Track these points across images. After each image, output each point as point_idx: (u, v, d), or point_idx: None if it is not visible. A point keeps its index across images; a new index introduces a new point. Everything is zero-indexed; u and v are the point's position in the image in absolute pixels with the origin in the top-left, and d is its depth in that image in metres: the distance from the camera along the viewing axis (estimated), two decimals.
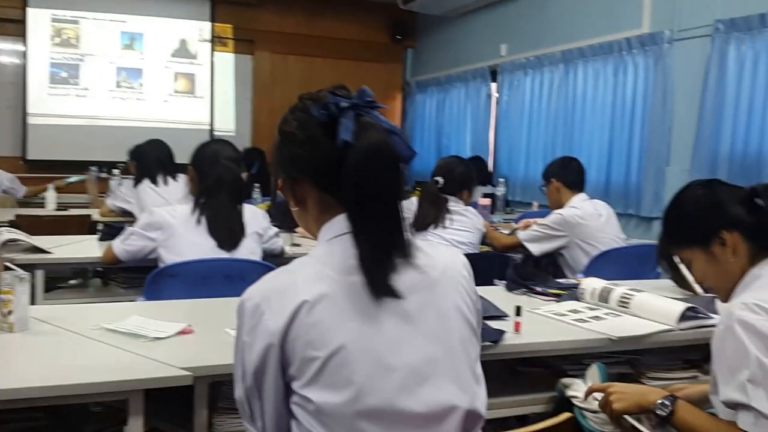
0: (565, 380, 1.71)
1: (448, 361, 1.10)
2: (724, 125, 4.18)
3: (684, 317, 1.86)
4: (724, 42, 4.17)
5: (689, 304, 1.89)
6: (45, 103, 6.62)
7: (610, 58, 5.08)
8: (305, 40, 7.52)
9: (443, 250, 1.21)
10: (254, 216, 2.57)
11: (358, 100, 1.12)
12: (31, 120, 6.58)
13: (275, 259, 2.67)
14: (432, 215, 3.19)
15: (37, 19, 6.56)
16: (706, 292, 1.72)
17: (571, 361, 1.85)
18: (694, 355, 1.91)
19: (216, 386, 1.58)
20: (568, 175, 3.37)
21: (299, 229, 3.52)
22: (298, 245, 3.13)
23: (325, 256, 1.11)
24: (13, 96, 6.58)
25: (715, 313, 1.90)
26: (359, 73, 7.45)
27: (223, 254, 2.40)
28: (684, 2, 4.50)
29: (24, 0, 6.48)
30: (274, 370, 1.05)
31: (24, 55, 6.56)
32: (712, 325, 1.69)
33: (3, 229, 2.82)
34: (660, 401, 1.43)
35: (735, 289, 1.46)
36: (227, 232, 2.42)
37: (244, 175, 2.60)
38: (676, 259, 1.61)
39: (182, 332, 1.71)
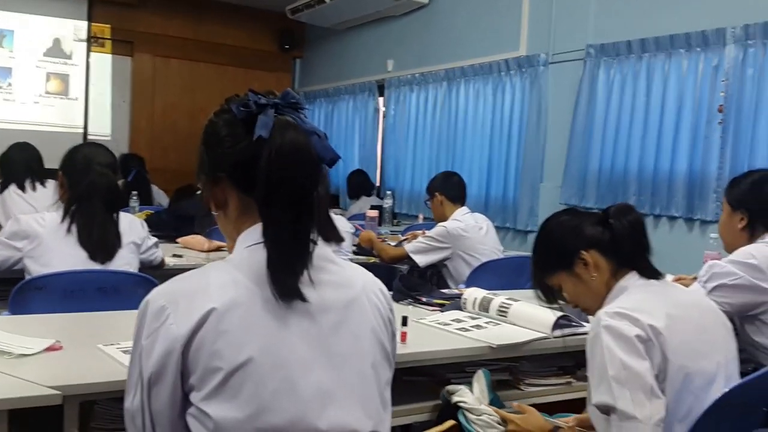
0: (450, 387, 1.75)
1: (358, 385, 1.08)
2: (593, 144, 4.47)
3: (557, 325, 1.96)
4: (594, 66, 4.48)
5: (562, 313, 2.00)
6: None
7: (490, 78, 5.30)
8: (189, 43, 7.31)
9: (360, 269, 1.20)
10: (131, 225, 2.45)
11: (281, 101, 1.10)
12: None
13: (154, 270, 2.56)
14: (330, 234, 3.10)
15: None
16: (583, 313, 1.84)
17: (454, 369, 1.89)
18: (567, 362, 2.02)
19: (88, 406, 1.49)
20: (450, 189, 3.51)
21: (182, 240, 3.41)
22: (180, 256, 3.02)
23: (241, 263, 1.07)
24: None
25: (587, 321, 2.02)
26: (247, 80, 7.32)
27: (96, 266, 2.26)
28: (559, 27, 4.79)
29: None
30: (173, 378, 1.00)
31: None
32: (584, 333, 1.80)
33: None
34: None
35: (603, 303, 1.57)
36: (100, 242, 2.28)
37: (120, 183, 2.48)
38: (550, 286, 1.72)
39: (50, 348, 1.60)
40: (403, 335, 1.81)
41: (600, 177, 4.43)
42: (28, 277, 2.18)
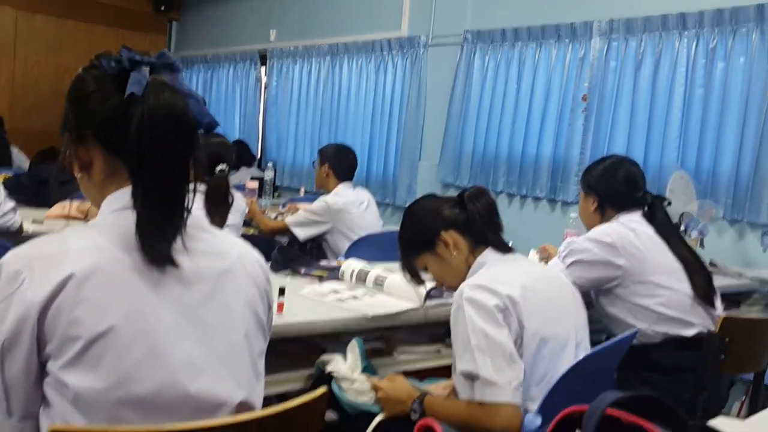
0: (325, 356, 1.79)
1: (229, 355, 1.06)
2: (467, 127, 4.66)
3: (428, 296, 2.05)
4: (470, 51, 4.65)
5: (433, 284, 2.09)
6: None
7: (372, 57, 5.35)
8: None
9: (237, 240, 1.18)
10: None
11: (156, 60, 1.06)
12: None
13: (11, 237, 2.40)
14: (220, 213, 2.84)
15: None
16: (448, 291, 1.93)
17: (330, 339, 1.93)
18: (437, 331, 2.12)
19: None
20: (340, 165, 3.52)
21: (48, 214, 3.14)
22: (40, 222, 2.84)
23: (106, 228, 1.02)
24: None
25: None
26: (117, 41, 6.89)
27: None
28: (439, 11, 4.91)
29: None
30: (28, 346, 0.95)
31: None
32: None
33: None
34: (412, 407, 1.60)
35: (466, 278, 1.67)
36: None
37: None
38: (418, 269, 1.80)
39: None
40: (280, 306, 1.83)
41: (473, 158, 4.63)
42: None
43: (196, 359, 1.02)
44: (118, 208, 1.04)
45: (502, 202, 4.38)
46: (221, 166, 2.78)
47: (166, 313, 1.01)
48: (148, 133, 0.99)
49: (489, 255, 1.68)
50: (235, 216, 3.18)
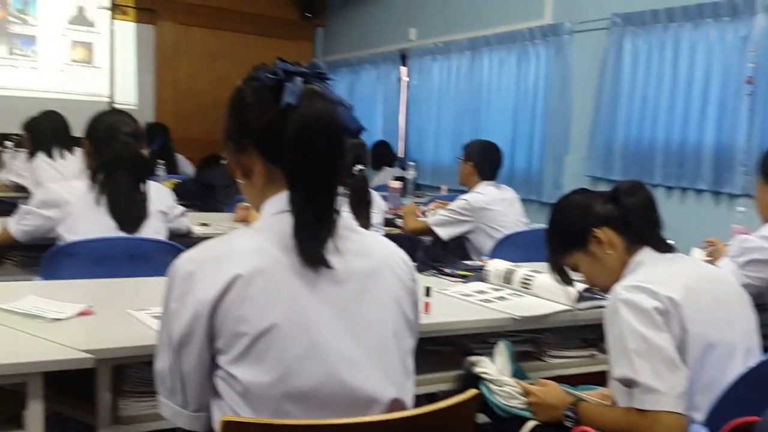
0: (472, 358, 1.77)
1: (380, 352, 1.10)
2: (619, 116, 4.41)
3: (582, 298, 1.96)
4: (619, 35, 4.39)
5: (585, 285, 2.00)
6: None
7: (514, 48, 5.23)
8: (211, 11, 7.27)
9: (383, 240, 1.21)
10: (159, 194, 2.48)
11: (308, 70, 1.12)
12: None
13: (181, 239, 2.60)
14: (363, 214, 2.83)
15: None
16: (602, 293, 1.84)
17: (476, 340, 1.91)
18: (591, 334, 2.02)
19: (120, 369, 1.53)
20: (484, 164, 3.45)
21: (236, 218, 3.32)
22: (206, 225, 3.05)
23: (266, 231, 1.09)
24: None
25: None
26: (268, 49, 7.29)
27: (125, 234, 2.30)
28: None
29: None
30: (201, 341, 1.03)
31: None
32: None
33: None
34: (565, 413, 1.53)
35: (620, 279, 1.57)
36: (128, 212, 2.31)
37: (145, 152, 2.50)
38: (567, 269, 1.72)
39: (82, 313, 1.64)
40: (426, 305, 1.83)
41: (626, 149, 4.38)
42: (59, 244, 2.22)
43: (351, 355, 1.06)
44: (276, 211, 1.10)
45: (659, 196, 4.04)
46: (359, 167, 2.86)
47: (323, 311, 1.05)
48: (302, 140, 1.05)
49: (647, 254, 1.57)
50: (377, 215, 3.25)
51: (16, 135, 4.25)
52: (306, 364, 1.03)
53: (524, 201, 3.88)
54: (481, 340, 1.90)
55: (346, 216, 1.13)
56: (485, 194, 3.38)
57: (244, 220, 3.08)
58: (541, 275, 2.10)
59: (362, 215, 2.79)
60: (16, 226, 2.35)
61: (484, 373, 1.69)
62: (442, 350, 1.91)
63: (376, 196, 3.10)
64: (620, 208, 1.60)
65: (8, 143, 4.58)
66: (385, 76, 6.78)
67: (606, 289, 1.61)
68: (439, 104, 6.02)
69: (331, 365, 1.05)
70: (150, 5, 7.04)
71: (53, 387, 1.41)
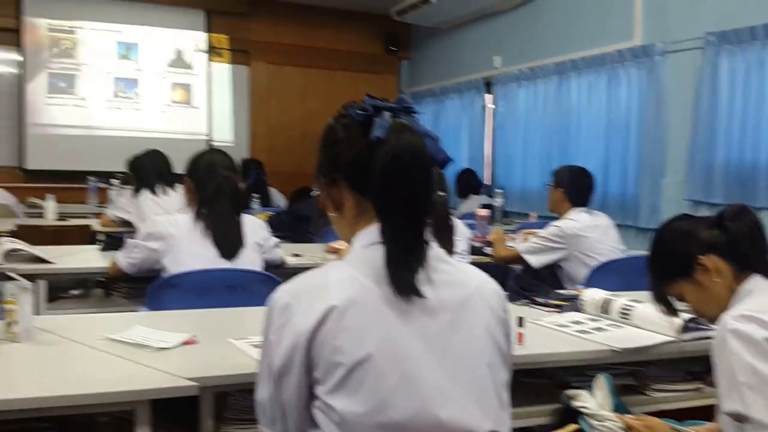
0: (570, 391, 1.72)
1: (474, 384, 1.09)
2: (717, 136, 4.21)
3: (686, 328, 1.87)
4: (715, 54, 4.21)
5: (691, 315, 1.90)
6: (43, 113, 6.61)
7: (603, 70, 5.12)
8: (301, 50, 7.55)
9: (474, 269, 1.21)
10: (254, 226, 2.58)
11: (396, 104, 1.15)
12: (30, 130, 6.56)
13: (276, 269, 2.67)
14: (445, 240, 2.77)
15: (34, 29, 6.56)
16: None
17: (573, 372, 1.85)
18: (697, 367, 1.92)
19: (222, 397, 1.58)
20: (576, 191, 3.36)
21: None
22: (299, 255, 3.13)
23: (358, 263, 1.11)
24: (10, 105, 6.57)
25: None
26: (354, 84, 7.48)
27: (224, 264, 2.40)
28: (675, 15, 4.55)
29: (18, 9, 6.48)
30: (299, 371, 1.05)
31: (20, 64, 6.55)
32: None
33: (4, 239, 2.82)
34: None
35: (728, 308, 1.48)
36: (227, 242, 2.43)
37: (241, 186, 2.61)
38: (671, 298, 1.65)
39: (186, 342, 1.71)
40: (520, 336, 1.79)
41: (727, 171, 4.16)
42: (163, 275, 2.34)
43: (444, 387, 1.06)
44: (367, 243, 1.12)
45: (766, 220, 3.87)
46: (439, 193, 2.87)
47: (415, 342, 1.06)
48: (391, 172, 1.07)
49: (756, 282, 1.49)
50: (461, 242, 3.23)
51: (122, 173, 4.53)
52: (400, 396, 1.03)
53: (620, 227, 3.75)
54: (579, 372, 1.84)
55: (435, 247, 1.13)
56: (578, 221, 3.29)
57: (335, 252, 3.13)
58: (642, 305, 2.02)
59: (444, 241, 2.77)
60: (125, 259, 2.50)
61: (584, 407, 1.63)
62: (537, 383, 1.86)
63: (458, 224, 3.09)
64: (726, 233, 1.53)
65: (114, 181, 4.91)
66: (470, 104, 6.78)
67: (713, 319, 1.53)
68: (526, 130, 5.96)
69: (424, 397, 1.04)
70: (244, 47, 7.38)
71: (158, 414, 1.47)
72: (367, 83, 7.44)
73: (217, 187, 2.42)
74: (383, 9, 6.98)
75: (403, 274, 1.06)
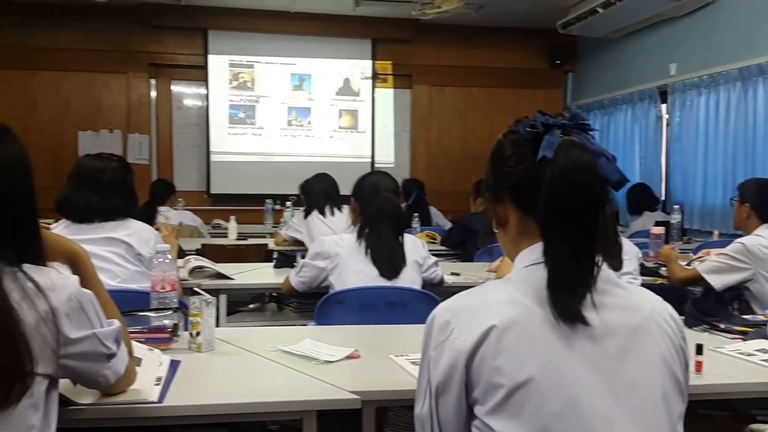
0: (755, 426, 1.56)
1: (646, 416, 1.03)
2: None
3: None
4: None
5: None
6: (225, 142, 7.25)
7: None
8: (462, 70, 7.60)
9: (648, 293, 1.14)
10: (414, 245, 2.64)
11: (569, 121, 1.11)
12: (213, 158, 7.22)
13: (435, 287, 2.70)
14: (612, 256, 2.59)
15: (217, 65, 7.22)
16: None
17: (760, 405, 1.68)
18: None
19: (382, 411, 1.61)
20: (764, 206, 3.07)
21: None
22: (457, 274, 3.13)
23: (520, 282, 1.09)
24: (198, 136, 7.28)
25: None
26: (517, 100, 7.40)
27: (385, 282, 2.47)
28: None
29: (205, 48, 7.17)
30: (458, 389, 1.05)
31: (206, 98, 7.24)
32: None
33: (191, 257, 3.11)
34: None
35: None
36: (389, 261, 2.51)
37: (402, 206, 2.68)
38: None
39: (350, 356, 1.78)
40: (698, 365, 1.66)
41: None
42: (330, 292, 2.46)
43: (612, 417, 1.00)
44: (529, 263, 1.09)
45: None
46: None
47: (580, 368, 1.01)
48: (557, 192, 1.04)
49: None
50: (630, 261, 3.03)
51: (294, 195, 4.83)
52: (564, 423, 0.99)
53: None
54: (766, 405, 1.66)
55: (606, 269, 1.08)
56: (766, 237, 2.98)
57: (495, 271, 3.10)
58: None
59: (610, 261, 2.60)
60: (296, 278, 2.67)
61: None
62: (717, 415, 1.71)
63: (626, 242, 2.92)
64: None
65: (288, 203, 5.28)
66: (643, 114, 6.42)
67: None
68: (706, 141, 5.51)
69: (589, 426, 0.99)
70: (406, 71, 7.59)
71: (321, 425, 1.52)
72: (529, 98, 7.32)
73: (379, 208, 2.52)
74: (547, 23, 6.84)
75: (566, 299, 1.02)
